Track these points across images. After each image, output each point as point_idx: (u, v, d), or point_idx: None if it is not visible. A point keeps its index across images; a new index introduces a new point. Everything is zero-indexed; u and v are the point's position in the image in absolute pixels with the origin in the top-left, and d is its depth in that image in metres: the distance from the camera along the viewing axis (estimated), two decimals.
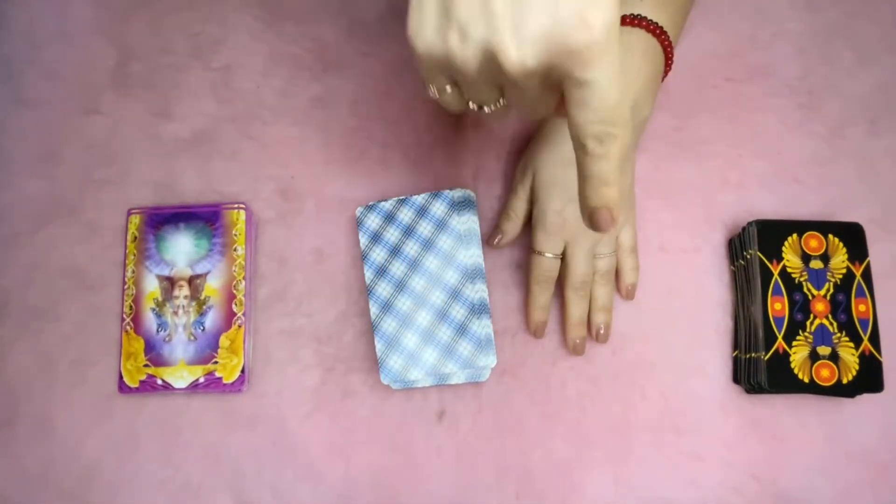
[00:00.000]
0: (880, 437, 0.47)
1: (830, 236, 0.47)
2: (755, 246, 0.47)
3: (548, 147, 0.47)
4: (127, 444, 0.48)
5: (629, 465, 0.47)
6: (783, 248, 0.47)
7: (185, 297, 0.49)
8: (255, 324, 0.50)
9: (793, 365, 0.45)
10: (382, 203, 0.49)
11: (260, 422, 0.48)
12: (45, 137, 0.54)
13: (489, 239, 0.50)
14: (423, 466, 0.47)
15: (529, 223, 0.49)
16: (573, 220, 0.46)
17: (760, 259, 0.47)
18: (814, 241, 0.47)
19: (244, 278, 0.49)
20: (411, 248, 0.48)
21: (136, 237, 0.50)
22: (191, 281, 0.49)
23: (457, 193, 0.49)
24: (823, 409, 0.47)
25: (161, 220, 0.50)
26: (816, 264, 0.46)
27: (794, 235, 0.47)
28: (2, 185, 0.53)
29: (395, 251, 0.48)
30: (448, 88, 0.33)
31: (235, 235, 0.50)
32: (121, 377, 0.48)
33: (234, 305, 0.49)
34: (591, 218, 0.32)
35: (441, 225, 0.48)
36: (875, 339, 0.45)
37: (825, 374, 0.44)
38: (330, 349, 0.49)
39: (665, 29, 0.46)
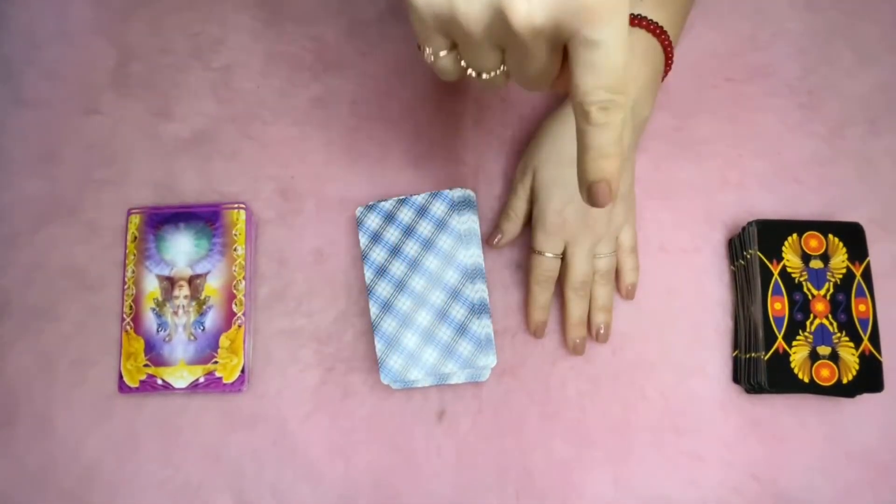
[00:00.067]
0: (880, 437, 0.47)
1: (830, 236, 0.47)
2: (755, 246, 0.47)
3: (548, 147, 0.47)
4: (127, 444, 0.48)
5: (629, 465, 0.47)
6: (783, 248, 0.47)
7: (185, 297, 0.49)
8: (255, 324, 0.50)
9: (793, 365, 0.45)
10: (382, 203, 0.49)
11: (260, 422, 0.48)
12: (45, 137, 0.54)
13: (489, 239, 0.50)
14: (423, 466, 0.47)
15: (529, 223, 0.49)
16: (573, 220, 0.46)
17: (760, 259, 0.47)
18: (814, 241, 0.47)
19: (244, 278, 0.49)
20: (411, 247, 0.48)
21: (136, 237, 0.50)
22: (191, 281, 0.49)
23: (457, 193, 0.49)
24: (823, 409, 0.47)
25: (161, 220, 0.50)
26: (816, 264, 0.46)
27: (794, 235, 0.47)
28: (2, 185, 0.53)
29: (395, 251, 0.48)
30: (445, 51, 0.31)
31: (235, 235, 0.50)
32: (121, 377, 0.48)
33: (234, 305, 0.49)
34: (590, 192, 0.31)
35: (441, 225, 0.48)
36: (875, 338, 0.45)
37: (825, 374, 0.44)
38: (330, 349, 0.49)
39: (665, 29, 0.46)
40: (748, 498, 0.46)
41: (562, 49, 0.29)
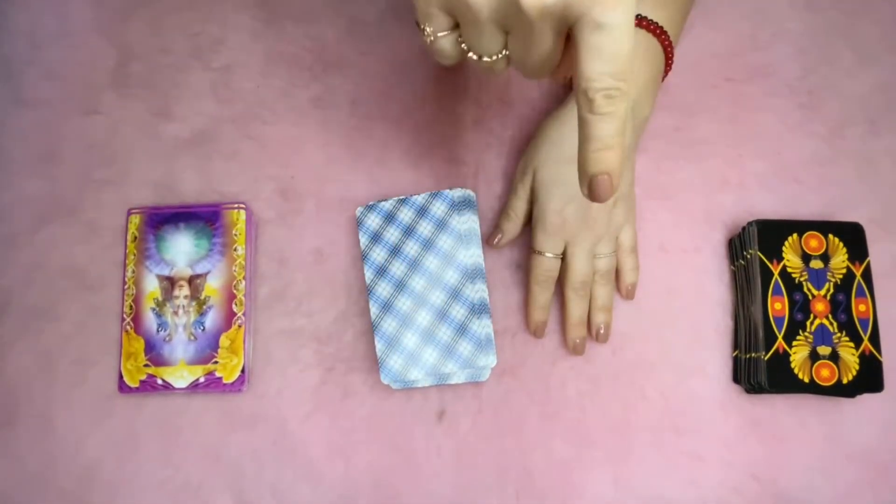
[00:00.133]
0: (880, 437, 0.47)
1: (830, 236, 0.47)
2: (755, 246, 0.47)
3: (548, 146, 0.47)
4: (127, 444, 0.48)
5: (629, 465, 0.47)
6: (783, 248, 0.47)
7: (185, 296, 0.49)
8: (255, 324, 0.50)
9: (793, 365, 0.45)
10: (382, 203, 0.49)
11: (260, 422, 0.48)
12: (45, 137, 0.54)
13: (489, 239, 0.50)
14: (423, 466, 0.47)
15: (529, 223, 0.49)
16: (573, 220, 0.46)
17: (760, 259, 0.47)
18: (814, 241, 0.47)
19: (244, 278, 0.49)
20: (411, 247, 0.48)
21: (136, 237, 0.50)
22: (191, 281, 0.49)
23: (457, 193, 0.49)
24: (823, 409, 0.47)
25: (161, 219, 0.50)
26: (816, 264, 0.46)
27: (795, 235, 0.47)
28: (2, 185, 0.53)
29: (395, 251, 0.48)
30: (446, 31, 0.31)
31: (235, 235, 0.50)
32: (121, 377, 0.48)
33: (234, 305, 0.49)
34: (591, 185, 0.30)
35: (441, 225, 0.48)
36: (875, 338, 0.45)
37: (825, 374, 0.44)
38: (330, 349, 0.49)
39: (665, 29, 0.46)
40: (748, 498, 0.46)
41: (565, 34, 0.29)
